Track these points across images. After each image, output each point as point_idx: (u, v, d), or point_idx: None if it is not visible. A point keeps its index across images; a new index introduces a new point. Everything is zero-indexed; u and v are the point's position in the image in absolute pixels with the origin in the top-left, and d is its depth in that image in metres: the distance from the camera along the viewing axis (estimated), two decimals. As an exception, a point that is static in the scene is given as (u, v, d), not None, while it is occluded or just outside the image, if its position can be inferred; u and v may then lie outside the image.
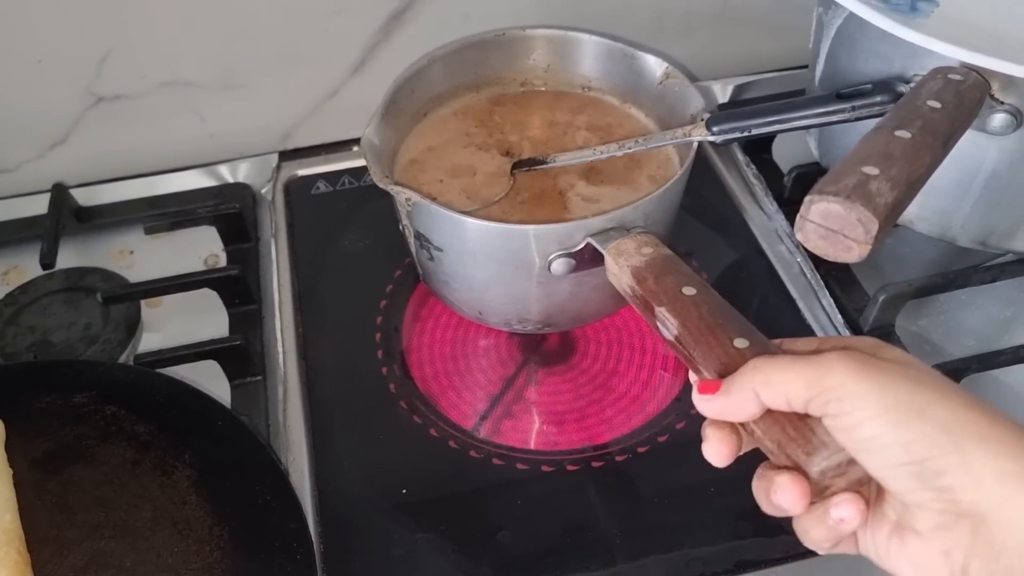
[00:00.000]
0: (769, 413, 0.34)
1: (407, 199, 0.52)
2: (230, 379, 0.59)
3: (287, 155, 0.78)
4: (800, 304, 0.64)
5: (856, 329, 0.61)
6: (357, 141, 0.79)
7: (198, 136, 0.77)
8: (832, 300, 0.63)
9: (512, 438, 0.57)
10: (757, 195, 0.71)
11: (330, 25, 0.73)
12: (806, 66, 0.69)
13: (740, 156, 0.74)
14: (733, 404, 0.35)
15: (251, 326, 0.63)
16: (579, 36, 0.64)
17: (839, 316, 0.62)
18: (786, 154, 0.73)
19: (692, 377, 0.39)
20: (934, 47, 0.49)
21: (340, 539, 0.52)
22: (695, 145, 0.55)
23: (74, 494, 0.50)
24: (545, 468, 0.56)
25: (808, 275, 0.65)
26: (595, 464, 0.56)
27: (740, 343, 0.38)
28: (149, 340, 0.64)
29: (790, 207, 0.69)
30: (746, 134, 0.53)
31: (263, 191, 0.74)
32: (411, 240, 0.56)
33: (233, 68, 0.74)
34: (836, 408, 0.32)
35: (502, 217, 0.56)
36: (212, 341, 0.59)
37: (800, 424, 0.34)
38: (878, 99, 0.51)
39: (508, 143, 0.62)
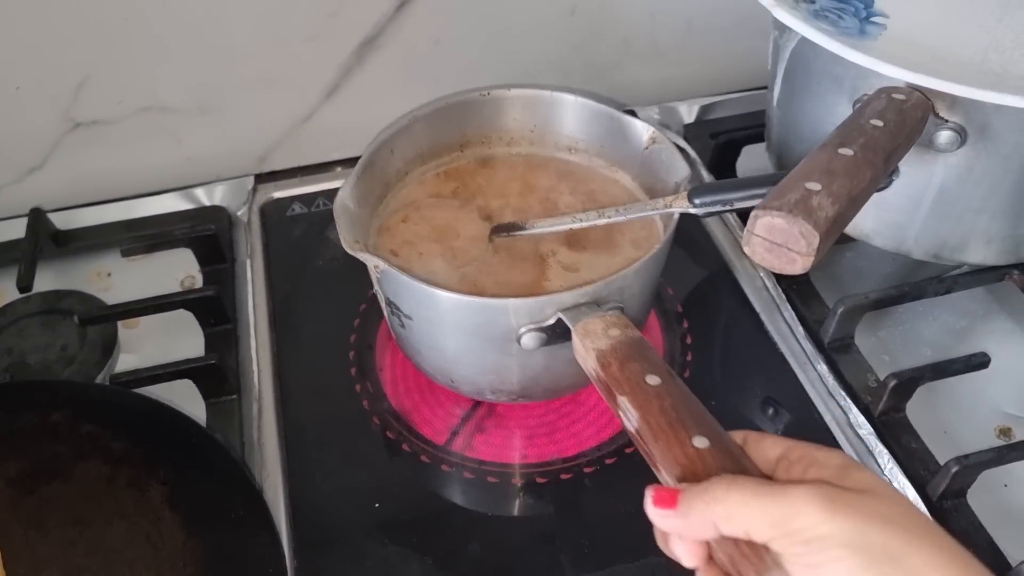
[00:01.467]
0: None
1: (375, 266, 0.52)
2: (205, 398, 0.60)
3: (263, 177, 0.79)
4: (763, 317, 0.65)
5: (817, 341, 0.63)
6: (332, 164, 0.81)
7: (175, 160, 0.79)
8: (793, 312, 0.65)
9: (483, 452, 0.59)
10: (729, 223, 0.73)
11: (303, 51, 0.75)
12: (764, 87, 0.72)
13: (704, 173, 0.76)
14: (689, 527, 0.34)
15: (227, 345, 0.64)
16: (564, 97, 0.64)
17: (800, 328, 0.64)
18: (750, 171, 0.75)
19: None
20: (879, 68, 0.51)
21: (314, 554, 0.53)
22: (676, 216, 0.54)
23: (49, 512, 0.51)
24: (514, 481, 0.57)
25: (770, 288, 0.67)
26: (564, 476, 0.57)
27: (700, 442, 0.37)
28: (126, 360, 0.65)
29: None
30: (728, 208, 0.51)
31: (239, 213, 0.75)
32: (383, 306, 0.56)
33: (210, 93, 0.76)
34: (802, 548, 0.31)
35: (479, 280, 0.56)
36: (187, 360, 0.60)
37: (755, 545, 0.33)
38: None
39: (489, 207, 0.62)
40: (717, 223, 0.73)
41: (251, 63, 0.75)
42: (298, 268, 0.71)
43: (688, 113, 0.83)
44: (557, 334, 0.50)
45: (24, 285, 0.65)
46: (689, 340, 0.64)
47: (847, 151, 0.43)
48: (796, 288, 0.66)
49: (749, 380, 0.62)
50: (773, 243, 0.39)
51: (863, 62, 0.50)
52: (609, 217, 0.55)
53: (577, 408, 0.61)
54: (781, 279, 0.67)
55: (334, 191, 0.75)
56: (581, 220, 0.56)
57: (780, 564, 0.32)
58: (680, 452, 0.37)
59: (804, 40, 0.59)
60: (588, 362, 0.46)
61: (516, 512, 0.56)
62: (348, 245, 0.53)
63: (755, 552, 0.33)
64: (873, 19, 0.59)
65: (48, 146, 0.75)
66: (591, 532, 0.54)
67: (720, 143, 0.76)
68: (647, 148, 0.60)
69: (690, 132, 0.81)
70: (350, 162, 0.80)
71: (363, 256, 0.52)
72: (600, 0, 0.79)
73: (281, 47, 0.75)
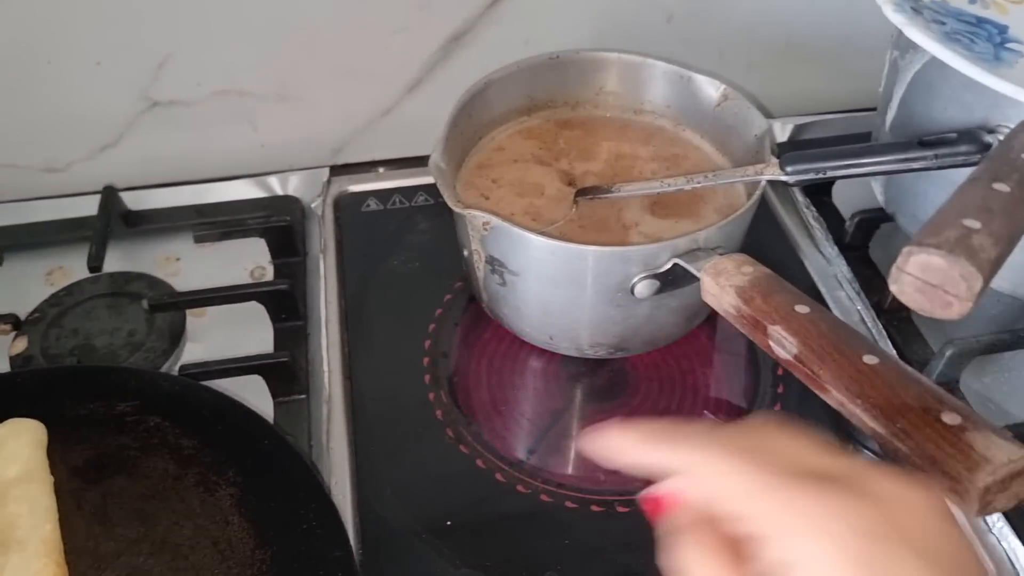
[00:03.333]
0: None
1: (485, 223, 0.52)
2: (274, 396, 0.58)
3: (337, 170, 0.77)
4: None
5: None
6: (409, 160, 0.78)
7: (249, 146, 0.77)
8: (894, 351, 0.61)
9: (560, 475, 0.56)
10: (816, 238, 0.69)
11: (391, 42, 0.73)
12: (870, 109, 0.68)
13: (800, 197, 0.72)
14: None
15: (297, 343, 0.62)
16: (632, 59, 0.65)
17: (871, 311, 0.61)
18: (847, 198, 0.72)
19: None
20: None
21: (380, 568, 0.50)
22: (764, 183, 0.54)
23: (113, 506, 0.49)
24: (594, 508, 0.54)
25: (869, 324, 0.63)
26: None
27: (870, 359, 0.38)
28: (192, 350, 0.63)
29: (851, 252, 0.67)
30: (821, 176, 0.52)
31: (313, 205, 0.73)
32: (480, 266, 0.56)
33: (289, 80, 0.74)
34: None
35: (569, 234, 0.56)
36: (259, 356, 0.58)
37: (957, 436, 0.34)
38: (963, 149, 0.50)
39: (572, 170, 0.62)
40: (812, 250, 0.69)
41: (335, 52, 0.73)
42: (372, 266, 0.68)
43: (782, 132, 0.79)
44: (670, 280, 0.51)
45: (95, 265, 0.64)
46: (780, 372, 0.61)
47: (1003, 187, 0.40)
48: (896, 325, 0.63)
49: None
50: (927, 283, 0.36)
51: (1010, 92, 0.47)
52: (698, 183, 0.55)
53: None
54: (881, 314, 0.63)
55: (411, 188, 0.75)
56: (668, 185, 0.56)
57: None
58: (853, 369, 0.38)
59: (931, 63, 0.56)
60: (725, 299, 0.46)
61: (595, 541, 0.53)
62: (452, 203, 0.53)
63: (958, 447, 0.34)
64: (1008, 45, 0.55)
65: (123, 124, 0.74)
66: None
67: (817, 166, 0.72)
68: (719, 105, 0.61)
69: (783, 151, 0.77)
70: (428, 160, 0.78)
71: (471, 213, 0.52)
72: (699, 9, 0.76)
73: (368, 37, 0.72)
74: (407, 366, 0.61)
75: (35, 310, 0.64)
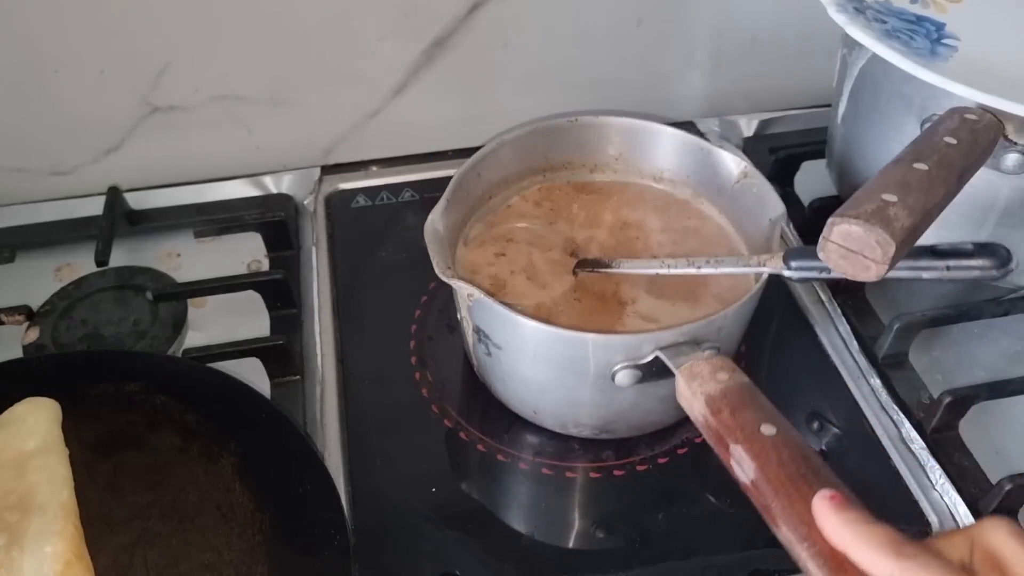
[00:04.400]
0: None
1: (469, 295, 0.52)
2: (271, 377, 0.62)
3: (328, 169, 0.82)
4: (818, 330, 0.66)
5: (871, 356, 0.64)
6: (396, 160, 0.83)
7: (245, 148, 0.81)
8: (848, 327, 0.65)
9: (538, 445, 0.60)
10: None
11: (376, 48, 0.77)
12: (830, 105, 0.73)
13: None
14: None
15: (291, 329, 0.66)
16: (653, 126, 0.65)
17: (855, 342, 0.65)
18: (807, 187, 0.76)
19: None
20: (953, 89, 0.51)
21: (372, 532, 0.55)
22: (766, 276, 0.53)
23: (124, 477, 0.53)
24: (568, 474, 0.58)
25: (826, 302, 0.67)
26: (617, 472, 0.58)
27: None
28: (193, 338, 0.67)
29: (810, 237, 0.71)
30: (824, 275, 0.49)
31: (305, 202, 0.77)
32: (468, 333, 0.57)
33: (282, 85, 0.78)
34: None
35: (555, 315, 0.56)
36: (256, 339, 0.62)
37: None
38: (979, 263, 0.49)
39: (576, 237, 0.63)
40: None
41: (325, 58, 0.77)
42: (361, 258, 0.73)
43: (747, 127, 0.84)
44: (653, 372, 0.50)
45: (101, 260, 0.68)
46: (743, 348, 0.65)
47: (922, 166, 0.44)
48: (851, 304, 0.67)
49: (801, 391, 0.63)
50: (848, 250, 0.40)
51: (937, 82, 0.51)
52: (698, 268, 0.54)
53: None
54: (837, 293, 0.67)
55: (398, 185, 0.79)
56: (669, 267, 0.55)
57: None
58: (804, 508, 0.35)
59: (874, 59, 0.60)
60: (695, 407, 0.44)
61: (570, 504, 0.57)
62: (440, 271, 0.53)
63: None
64: (944, 41, 0.60)
65: (126, 129, 0.78)
66: (642, 528, 0.55)
67: (780, 158, 0.77)
68: (738, 182, 0.60)
69: (749, 146, 0.82)
70: (413, 159, 0.83)
71: (456, 283, 0.53)
72: (667, 13, 0.80)
73: (355, 44, 0.77)
74: (395, 349, 0.66)
75: (46, 303, 0.68)
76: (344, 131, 0.82)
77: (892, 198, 0.41)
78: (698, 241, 0.62)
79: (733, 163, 0.61)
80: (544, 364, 0.54)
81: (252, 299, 0.68)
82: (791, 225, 0.72)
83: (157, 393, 0.56)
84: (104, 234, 0.70)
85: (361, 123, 0.82)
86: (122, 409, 0.56)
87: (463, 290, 0.53)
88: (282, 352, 0.62)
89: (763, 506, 0.38)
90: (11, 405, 0.54)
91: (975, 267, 0.48)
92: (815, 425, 0.62)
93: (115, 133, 0.78)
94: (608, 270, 0.58)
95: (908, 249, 0.41)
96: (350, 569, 0.48)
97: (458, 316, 0.58)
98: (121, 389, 0.57)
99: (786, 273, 0.51)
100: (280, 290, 0.67)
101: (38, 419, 0.53)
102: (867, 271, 0.40)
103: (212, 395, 0.56)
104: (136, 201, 0.77)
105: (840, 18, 0.58)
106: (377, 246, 0.74)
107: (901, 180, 0.43)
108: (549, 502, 0.57)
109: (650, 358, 0.49)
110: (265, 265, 0.73)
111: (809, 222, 0.72)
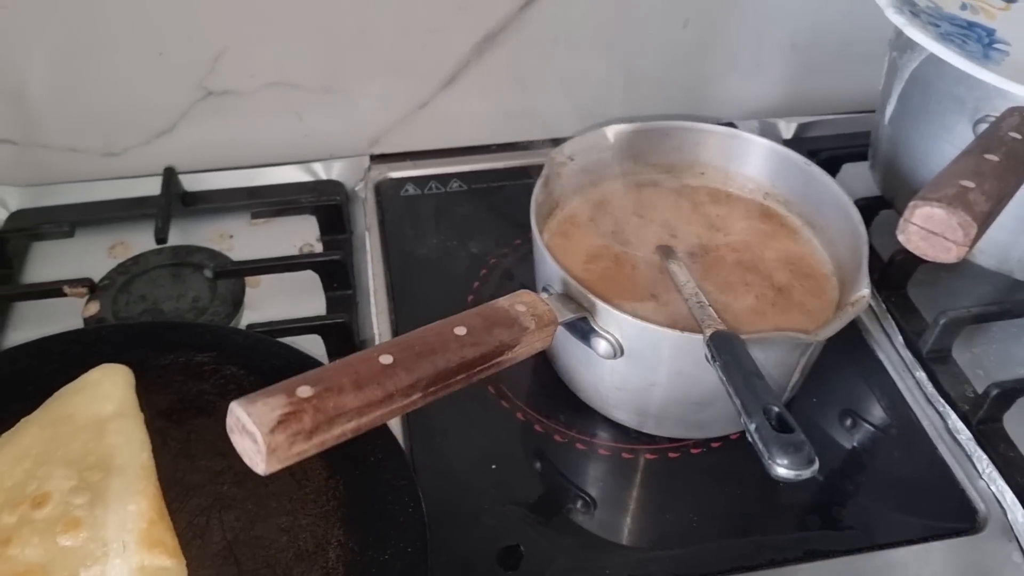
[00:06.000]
0: None
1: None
2: (330, 355, 0.63)
3: (376, 158, 0.83)
4: (863, 327, 0.68)
5: (915, 351, 0.65)
6: (442, 152, 0.84)
7: (294, 135, 0.83)
8: (894, 323, 0.67)
9: (592, 427, 0.61)
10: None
11: (428, 40, 0.79)
12: (867, 111, 0.75)
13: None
14: None
15: (347, 309, 0.67)
16: (771, 146, 0.66)
17: (899, 338, 0.66)
18: (850, 188, 0.78)
19: None
20: (1013, 89, 0.54)
21: (434, 506, 0.56)
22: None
23: (196, 443, 0.54)
24: (625, 455, 0.60)
25: (871, 301, 0.69)
26: (672, 455, 0.60)
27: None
28: (248, 317, 0.69)
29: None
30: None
31: (356, 188, 0.79)
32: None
33: (335, 73, 0.80)
34: None
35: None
36: (318, 317, 0.64)
37: None
38: None
39: (663, 237, 0.63)
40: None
41: (378, 49, 0.79)
42: (413, 244, 0.74)
43: (786, 130, 0.86)
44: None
45: (161, 237, 0.69)
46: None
47: (992, 157, 0.46)
48: (895, 301, 0.69)
49: (848, 385, 0.65)
50: (930, 232, 0.42)
51: (1002, 84, 0.53)
52: (745, 333, 0.51)
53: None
54: (881, 289, 0.69)
55: (446, 175, 0.81)
56: (702, 299, 0.54)
57: None
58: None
59: (927, 61, 0.62)
60: None
61: (627, 483, 0.59)
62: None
63: None
64: (996, 46, 0.62)
65: (179, 112, 0.79)
66: (699, 508, 0.57)
67: (821, 159, 0.78)
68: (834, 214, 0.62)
69: (788, 148, 0.83)
70: (456, 151, 0.84)
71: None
72: (711, 16, 0.82)
73: (408, 36, 0.78)
74: (450, 331, 0.67)
75: (104, 278, 0.69)
76: (392, 121, 0.84)
77: (970, 184, 0.43)
78: (780, 253, 0.63)
79: (849, 209, 0.61)
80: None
81: (303, 281, 0.69)
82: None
83: (226, 364, 0.57)
84: (163, 212, 0.71)
85: (409, 114, 0.83)
86: (192, 378, 0.57)
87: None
88: (343, 330, 0.63)
89: None
90: (85, 371, 0.55)
91: None
92: (862, 418, 0.63)
93: (168, 116, 0.80)
94: (676, 279, 0.58)
95: (983, 234, 0.43)
96: (426, 536, 0.49)
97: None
98: (191, 359, 0.58)
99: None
100: (337, 271, 0.68)
101: (113, 384, 0.54)
102: (947, 252, 0.41)
103: (281, 368, 0.57)
104: (189, 183, 0.78)
105: (899, 20, 0.60)
106: (428, 233, 0.75)
107: (975, 169, 0.44)
108: (607, 481, 0.59)
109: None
110: (316, 248, 0.74)
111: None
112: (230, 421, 0.39)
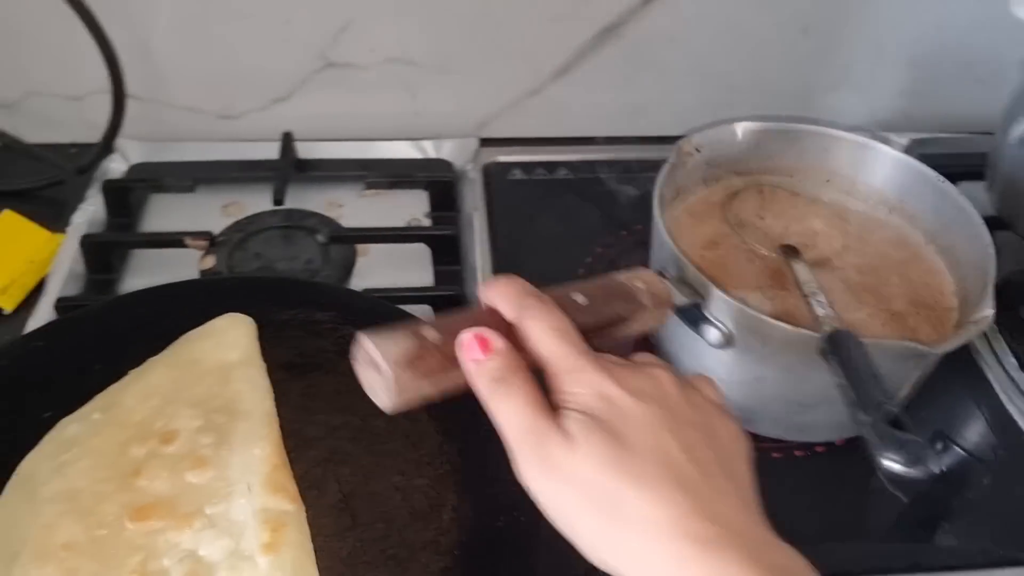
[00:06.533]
0: None
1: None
2: (439, 327, 0.64)
3: (485, 141, 0.84)
4: (974, 346, 0.67)
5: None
6: (548, 140, 0.85)
7: (406, 112, 0.84)
8: (1005, 345, 0.66)
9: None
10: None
11: (549, 28, 0.80)
12: (984, 132, 0.73)
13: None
14: None
15: (456, 284, 0.68)
16: (905, 160, 0.64)
17: (1011, 359, 0.65)
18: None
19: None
20: None
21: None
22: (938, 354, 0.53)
23: (314, 397, 0.55)
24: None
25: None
26: (775, 455, 0.59)
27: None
28: (356, 285, 0.70)
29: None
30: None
31: (467, 167, 0.80)
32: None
33: (452, 55, 0.81)
34: None
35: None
36: (432, 287, 0.65)
37: None
38: None
39: (783, 239, 0.62)
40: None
41: (497, 33, 0.80)
42: (519, 227, 0.75)
43: (897, 146, 0.84)
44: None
45: (279, 199, 0.70)
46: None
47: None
48: (1007, 322, 0.68)
49: (955, 404, 0.64)
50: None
51: None
52: (862, 337, 0.50)
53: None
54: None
55: (553, 163, 0.81)
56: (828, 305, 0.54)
57: None
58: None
59: (1066, 82, 0.61)
60: None
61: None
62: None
63: None
64: None
65: (298, 81, 0.81)
66: (806, 511, 0.56)
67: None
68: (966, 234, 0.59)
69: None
70: (562, 141, 0.85)
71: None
72: (831, 25, 0.82)
73: (529, 22, 0.79)
74: (555, 315, 0.67)
75: (220, 234, 0.71)
76: (502, 106, 0.84)
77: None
78: (905, 281, 0.61)
79: (982, 231, 0.58)
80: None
81: (411, 254, 0.70)
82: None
83: (346, 324, 0.58)
84: (281, 175, 0.72)
85: (519, 100, 0.84)
86: (312, 335, 0.58)
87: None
88: (454, 303, 0.64)
89: None
90: (207, 320, 0.57)
91: None
92: (968, 438, 0.62)
93: (287, 84, 0.81)
94: (796, 279, 0.57)
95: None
96: (536, 506, 0.49)
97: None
98: (311, 316, 0.59)
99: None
100: (449, 246, 0.69)
101: (239, 333, 0.55)
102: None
103: (398, 332, 0.58)
104: (303, 150, 0.80)
105: (1045, 35, 0.59)
106: (534, 218, 0.76)
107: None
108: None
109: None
110: (424, 223, 0.75)
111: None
112: (358, 354, 0.40)
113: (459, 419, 0.54)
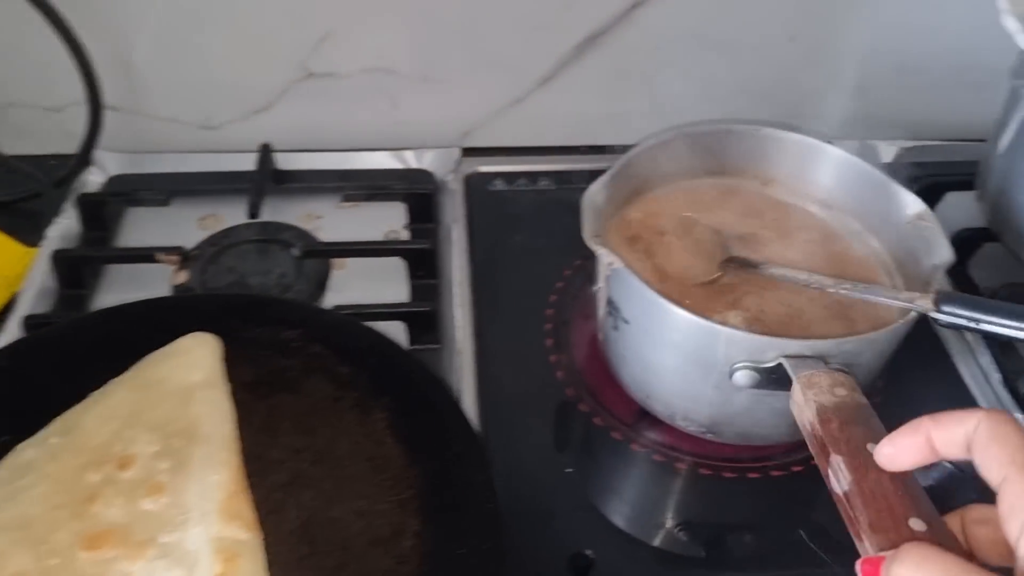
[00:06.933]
0: None
1: (609, 263, 0.53)
2: (412, 343, 0.63)
3: (467, 151, 0.83)
4: (959, 362, 0.65)
5: (1014, 391, 0.63)
6: (532, 149, 0.84)
7: (387, 122, 0.83)
8: (992, 360, 0.65)
9: (671, 438, 0.60)
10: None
11: (531, 37, 0.78)
12: (975, 140, 0.72)
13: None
14: None
15: (431, 298, 0.67)
16: (832, 150, 0.63)
17: (996, 374, 0.64)
18: (948, 219, 0.75)
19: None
20: None
21: (505, 505, 0.55)
22: (914, 314, 0.51)
23: (278, 419, 0.54)
24: (703, 471, 0.58)
25: (968, 337, 0.67)
26: (751, 475, 0.58)
27: (916, 525, 0.34)
28: (332, 299, 0.69)
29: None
30: (973, 326, 0.48)
31: (448, 178, 0.79)
32: (601, 304, 0.58)
33: (434, 63, 0.80)
34: None
35: (691, 301, 0.54)
36: (404, 304, 0.64)
37: None
38: None
39: (726, 242, 0.61)
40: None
41: (479, 42, 0.78)
42: (499, 239, 0.74)
43: (887, 153, 0.83)
44: (772, 379, 0.49)
45: (254, 212, 0.70)
46: (881, 384, 0.63)
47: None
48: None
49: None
50: None
51: None
52: (845, 290, 0.53)
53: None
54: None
55: (536, 173, 0.80)
56: (816, 282, 0.54)
57: None
58: (892, 527, 0.35)
59: (1055, 92, 0.59)
60: (805, 414, 0.44)
61: (702, 501, 0.57)
62: (588, 237, 0.54)
63: None
64: None
65: (278, 91, 0.80)
66: (773, 534, 0.55)
67: (923, 185, 0.76)
68: (910, 223, 0.58)
69: (887, 172, 0.81)
70: (546, 150, 0.84)
71: (600, 251, 0.53)
72: (820, 32, 0.80)
73: (511, 31, 0.78)
74: (531, 330, 0.66)
75: (194, 248, 0.70)
76: (485, 115, 0.83)
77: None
78: (851, 271, 0.60)
79: (912, 203, 0.59)
80: (667, 346, 0.53)
81: (388, 268, 0.69)
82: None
83: (312, 342, 0.57)
84: (257, 188, 0.72)
85: (503, 109, 0.83)
86: (278, 354, 0.57)
87: (605, 258, 0.53)
88: (428, 319, 0.63)
89: (850, 518, 0.38)
90: (172, 339, 0.56)
91: None
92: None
93: (267, 94, 0.80)
94: (755, 271, 0.57)
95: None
96: (502, 534, 0.48)
97: (595, 288, 0.59)
98: (277, 335, 0.58)
99: (934, 315, 0.49)
100: (425, 260, 0.68)
101: (203, 353, 0.54)
102: None
103: (366, 351, 0.57)
104: (282, 161, 0.79)
105: (1029, 45, 0.57)
106: (514, 230, 0.75)
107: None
108: (683, 495, 0.58)
109: (773, 363, 0.49)
110: (402, 236, 0.74)
111: (956, 250, 0.71)
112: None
113: (425, 442, 0.53)
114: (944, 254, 0.55)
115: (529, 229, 0.75)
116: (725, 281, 0.58)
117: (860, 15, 0.79)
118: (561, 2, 0.76)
